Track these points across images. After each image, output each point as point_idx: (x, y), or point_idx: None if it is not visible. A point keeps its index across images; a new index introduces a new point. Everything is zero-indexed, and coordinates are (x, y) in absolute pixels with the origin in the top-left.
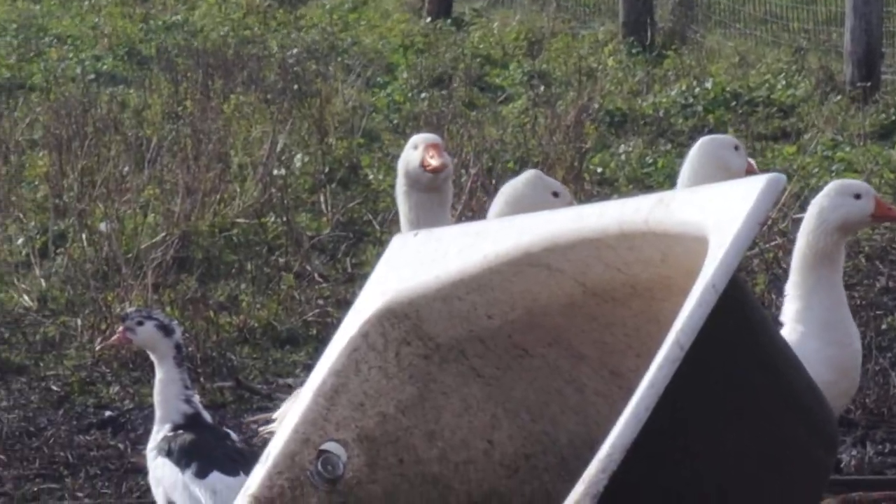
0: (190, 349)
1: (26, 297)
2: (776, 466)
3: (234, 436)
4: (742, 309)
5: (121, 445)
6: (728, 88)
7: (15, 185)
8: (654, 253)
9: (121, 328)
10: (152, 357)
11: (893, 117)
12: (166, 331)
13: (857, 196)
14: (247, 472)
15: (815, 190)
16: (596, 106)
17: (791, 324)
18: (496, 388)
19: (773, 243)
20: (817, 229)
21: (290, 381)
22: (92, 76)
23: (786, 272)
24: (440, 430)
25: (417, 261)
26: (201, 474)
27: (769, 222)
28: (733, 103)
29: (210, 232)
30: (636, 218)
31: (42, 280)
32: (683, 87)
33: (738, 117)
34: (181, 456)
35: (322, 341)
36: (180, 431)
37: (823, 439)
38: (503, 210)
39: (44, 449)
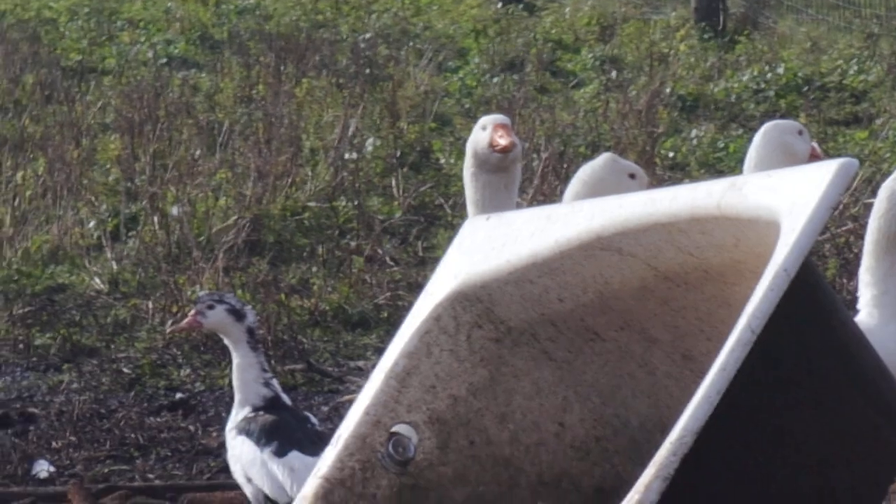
0: (261, 332)
1: (98, 280)
2: (846, 449)
3: (313, 419)
4: (814, 293)
5: (191, 427)
6: (800, 74)
7: (87, 168)
8: (727, 237)
9: (192, 312)
10: (226, 341)
11: None
12: (237, 315)
13: None
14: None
15: (887, 175)
16: (668, 91)
17: (867, 308)
18: (567, 371)
19: (844, 228)
20: (888, 213)
21: (360, 363)
22: (164, 60)
23: (857, 257)
24: (511, 412)
25: (489, 245)
26: (280, 452)
27: (841, 207)
28: (805, 88)
29: (281, 215)
30: (708, 202)
31: (113, 263)
32: (755, 73)
33: (810, 102)
34: (261, 435)
35: (393, 324)
36: (260, 413)
37: (894, 422)
38: (580, 192)
39: (114, 431)
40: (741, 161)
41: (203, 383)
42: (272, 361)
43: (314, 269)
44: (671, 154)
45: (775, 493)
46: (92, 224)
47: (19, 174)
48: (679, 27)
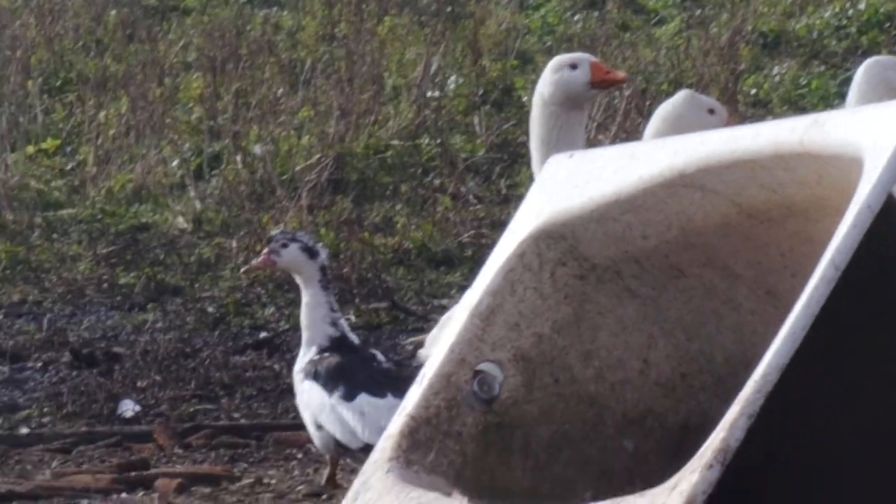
0: (345, 270)
1: (181, 219)
2: None
3: (380, 356)
4: None
5: (276, 366)
6: (882, 10)
7: (170, 107)
8: (810, 174)
9: (265, 251)
10: (297, 280)
11: None
12: (311, 253)
13: None
14: (395, 392)
15: None
16: (749, 27)
17: None
18: (652, 308)
19: None
20: None
21: (444, 301)
22: None
23: None
24: (596, 349)
25: (572, 182)
26: (349, 397)
27: None
28: (887, 24)
29: (364, 154)
30: (791, 139)
31: (197, 202)
32: (837, 9)
33: (892, 38)
34: (328, 379)
35: (477, 262)
36: (326, 354)
37: None
38: (660, 129)
39: (199, 370)
40: (823, 98)
41: (287, 322)
42: (356, 300)
43: (397, 207)
44: (753, 91)
45: (859, 430)
46: (175, 163)
47: (102, 113)
48: None
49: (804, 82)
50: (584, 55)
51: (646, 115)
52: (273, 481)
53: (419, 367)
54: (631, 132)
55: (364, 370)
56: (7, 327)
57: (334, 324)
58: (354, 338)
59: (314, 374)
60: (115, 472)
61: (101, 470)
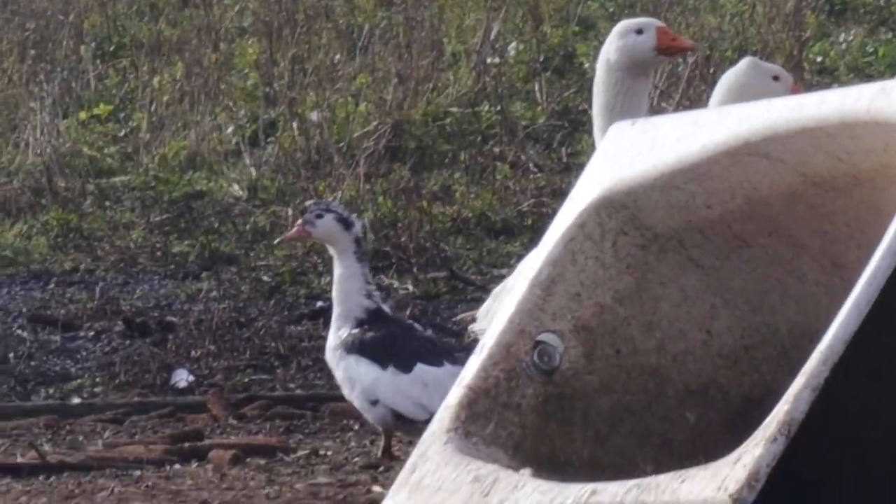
0: (403, 239)
1: (236, 187)
2: None
3: (417, 325)
4: None
5: None
6: None
7: (225, 73)
8: (876, 142)
9: (300, 221)
10: (332, 251)
11: None
12: (346, 224)
13: None
14: (450, 360)
15: None
16: None
17: None
18: (714, 279)
19: None
20: None
21: (503, 271)
22: None
23: None
24: (658, 320)
25: (634, 150)
26: (405, 368)
27: None
28: None
29: (423, 121)
30: (858, 107)
31: (252, 169)
32: None
33: None
34: (376, 351)
35: (537, 231)
36: (366, 327)
37: None
38: (724, 99)
39: (254, 340)
40: (891, 65)
41: None
42: (415, 269)
43: (456, 175)
44: (819, 59)
45: None
46: (230, 130)
47: (156, 79)
48: None
49: (871, 50)
50: (651, 20)
51: (710, 82)
52: (329, 453)
53: (464, 337)
54: (694, 100)
55: (411, 339)
56: (59, 296)
57: (369, 295)
58: (388, 308)
59: (359, 348)
60: (167, 443)
61: (153, 441)
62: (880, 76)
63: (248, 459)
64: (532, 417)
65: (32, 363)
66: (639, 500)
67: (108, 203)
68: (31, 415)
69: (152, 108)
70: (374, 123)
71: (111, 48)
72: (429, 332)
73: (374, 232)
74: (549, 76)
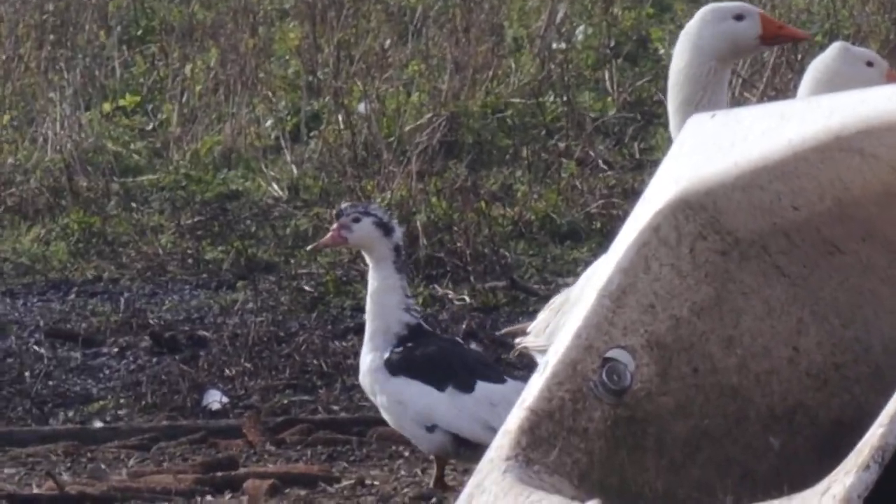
0: (459, 245)
1: (276, 186)
2: None
3: (459, 339)
4: None
5: None
6: None
7: (264, 60)
8: None
9: (335, 226)
10: (368, 260)
11: None
12: (385, 229)
13: None
14: (511, 376)
15: None
16: None
17: None
18: (802, 289)
19: None
20: None
21: (569, 280)
22: None
23: None
24: (739, 335)
25: (715, 145)
26: (466, 387)
27: None
28: None
29: (482, 113)
30: None
31: (293, 167)
32: None
33: None
34: (429, 371)
35: (607, 236)
36: (409, 345)
37: None
38: (814, 88)
39: (295, 356)
40: None
41: None
42: (471, 278)
43: (518, 173)
44: None
45: None
46: (269, 123)
47: (188, 67)
48: None
49: None
50: (750, 6)
51: (797, 70)
52: (376, 482)
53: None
54: (781, 90)
55: (462, 356)
56: (80, 308)
57: (409, 310)
58: (425, 324)
59: (408, 369)
60: (199, 471)
61: (183, 469)
62: None
63: (288, 490)
64: (600, 443)
65: (50, 383)
66: None
67: (134, 205)
68: (48, 440)
69: (183, 100)
70: (428, 116)
71: (138, 32)
72: (474, 346)
73: (428, 237)
74: (621, 63)
